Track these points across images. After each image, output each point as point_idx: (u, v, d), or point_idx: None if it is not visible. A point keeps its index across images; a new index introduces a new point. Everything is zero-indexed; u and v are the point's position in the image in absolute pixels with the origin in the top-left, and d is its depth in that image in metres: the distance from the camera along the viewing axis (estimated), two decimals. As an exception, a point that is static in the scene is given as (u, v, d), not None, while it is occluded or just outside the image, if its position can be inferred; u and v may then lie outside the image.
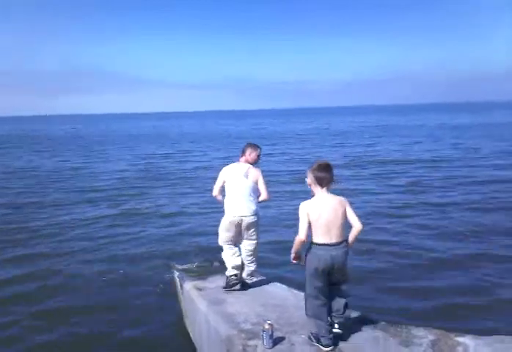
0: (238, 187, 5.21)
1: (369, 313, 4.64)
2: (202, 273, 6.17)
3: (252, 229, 5.33)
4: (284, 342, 4.04)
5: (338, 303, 4.03)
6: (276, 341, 4.01)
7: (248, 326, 4.39)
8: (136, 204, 13.62)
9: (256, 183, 5.24)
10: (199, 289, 5.65)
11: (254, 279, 5.59)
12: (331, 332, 3.94)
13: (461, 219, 10.79)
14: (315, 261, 3.81)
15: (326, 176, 3.85)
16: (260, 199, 5.34)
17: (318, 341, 3.95)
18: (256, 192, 5.28)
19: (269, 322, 4.02)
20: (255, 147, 5.42)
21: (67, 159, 26.96)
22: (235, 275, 5.36)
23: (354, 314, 4.54)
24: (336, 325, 4.03)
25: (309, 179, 3.94)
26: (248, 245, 5.43)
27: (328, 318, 4.00)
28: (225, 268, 5.49)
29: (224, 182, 5.30)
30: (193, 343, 5.40)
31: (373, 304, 6.15)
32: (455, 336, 3.95)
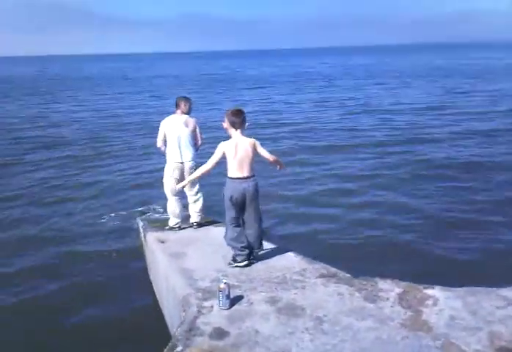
0: (179, 135, 5.45)
1: (331, 266, 4.32)
2: (165, 224, 5.86)
3: None
4: (243, 301, 3.74)
5: (253, 236, 4.49)
6: (234, 301, 3.71)
7: (206, 284, 4.09)
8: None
9: (194, 131, 5.58)
10: (162, 241, 5.35)
11: (203, 216, 5.76)
12: (245, 251, 4.41)
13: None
14: (229, 191, 4.37)
15: (238, 120, 4.38)
16: (199, 144, 5.70)
17: (235, 261, 4.44)
18: (194, 139, 5.61)
19: (225, 281, 3.71)
20: (187, 99, 5.68)
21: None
22: (179, 226, 5.64)
23: (315, 266, 4.26)
24: (251, 257, 4.50)
25: (225, 123, 4.45)
26: (191, 192, 5.63)
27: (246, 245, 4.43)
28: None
29: (165, 133, 5.53)
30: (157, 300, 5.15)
31: (334, 257, 5.79)
32: (424, 288, 3.66)
